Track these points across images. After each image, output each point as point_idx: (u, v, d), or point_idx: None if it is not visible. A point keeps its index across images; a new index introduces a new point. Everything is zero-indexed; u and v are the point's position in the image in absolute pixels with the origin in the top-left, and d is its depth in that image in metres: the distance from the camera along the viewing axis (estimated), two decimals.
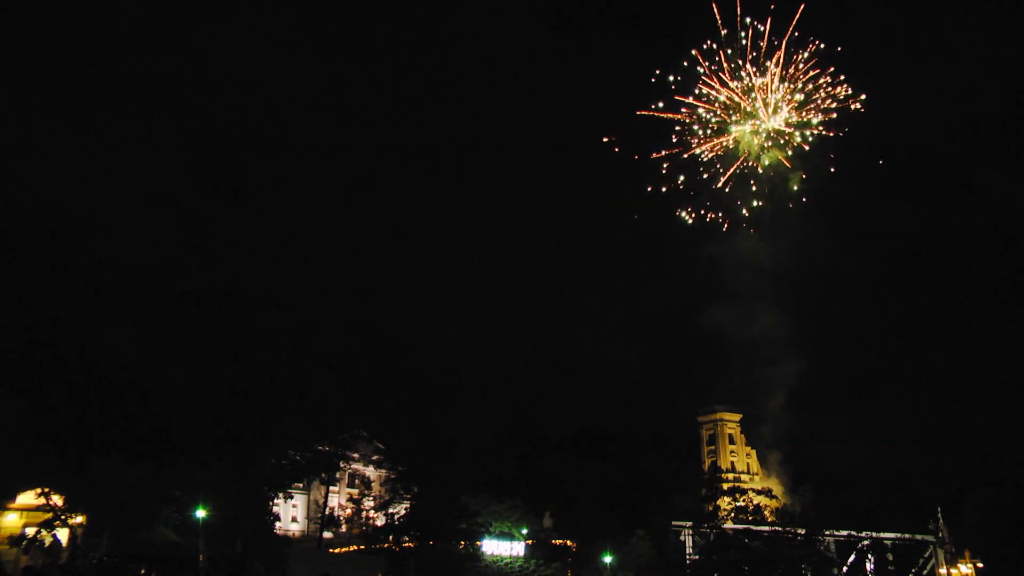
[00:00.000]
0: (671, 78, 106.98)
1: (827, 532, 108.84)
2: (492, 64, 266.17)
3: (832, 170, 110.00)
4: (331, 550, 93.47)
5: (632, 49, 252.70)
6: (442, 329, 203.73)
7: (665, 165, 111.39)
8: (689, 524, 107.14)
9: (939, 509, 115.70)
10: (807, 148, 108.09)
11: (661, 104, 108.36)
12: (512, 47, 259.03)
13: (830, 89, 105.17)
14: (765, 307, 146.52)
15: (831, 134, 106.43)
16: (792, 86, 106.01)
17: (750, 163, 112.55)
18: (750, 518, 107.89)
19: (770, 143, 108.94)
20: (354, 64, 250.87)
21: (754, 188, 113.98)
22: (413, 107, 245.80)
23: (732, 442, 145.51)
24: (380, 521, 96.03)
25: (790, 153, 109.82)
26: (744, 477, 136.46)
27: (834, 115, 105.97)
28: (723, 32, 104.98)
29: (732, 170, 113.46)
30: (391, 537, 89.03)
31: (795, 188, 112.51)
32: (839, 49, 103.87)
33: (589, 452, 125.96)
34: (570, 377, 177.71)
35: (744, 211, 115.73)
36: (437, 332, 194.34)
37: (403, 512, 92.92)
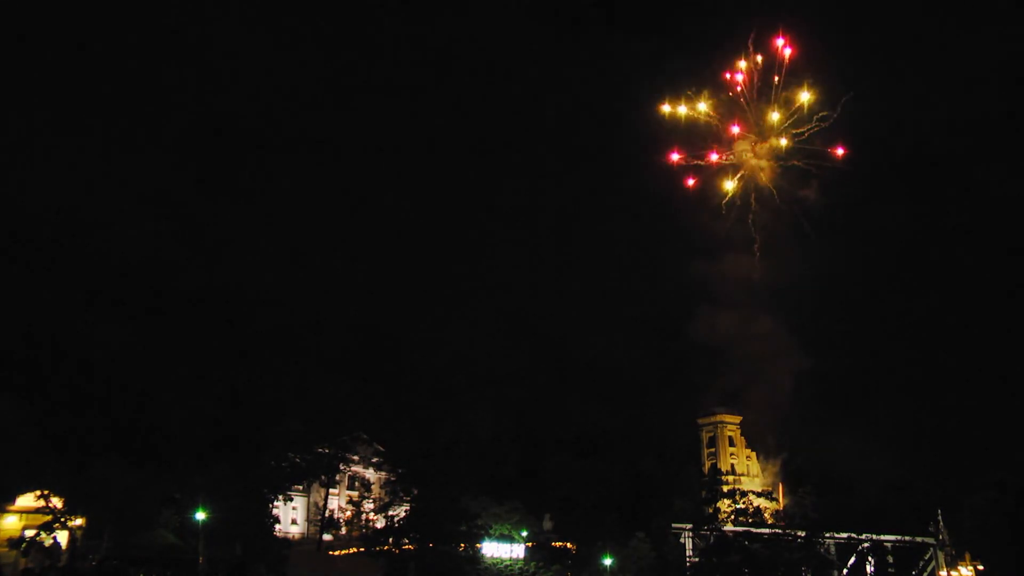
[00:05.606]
0: (672, 80, 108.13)
1: (827, 534, 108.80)
2: (491, 63, 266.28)
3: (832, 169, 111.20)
4: (331, 552, 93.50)
5: (631, 49, 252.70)
6: (441, 331, 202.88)
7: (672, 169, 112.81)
8: (689, 526, 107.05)
9: (939, 511, 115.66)
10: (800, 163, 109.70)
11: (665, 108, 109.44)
12: (511, 46, 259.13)
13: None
14: (765, 310, 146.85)
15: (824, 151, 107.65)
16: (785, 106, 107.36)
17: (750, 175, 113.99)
18: (750, 520, 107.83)
19: (767, 159, 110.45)
20: (353, 63, 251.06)
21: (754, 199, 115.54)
22: (412, 106, 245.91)
23: (732, 444, 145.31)
24: (380, 523, 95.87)
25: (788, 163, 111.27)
26: (744, 479, 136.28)
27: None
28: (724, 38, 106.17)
29: (734, 180, 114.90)
30: (391, 539, 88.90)
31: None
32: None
33: (589, 454, 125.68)
34: (570, 379, 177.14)
35: (747, 220, 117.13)
36: (436, 333, 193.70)
37: (403, 514, 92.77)
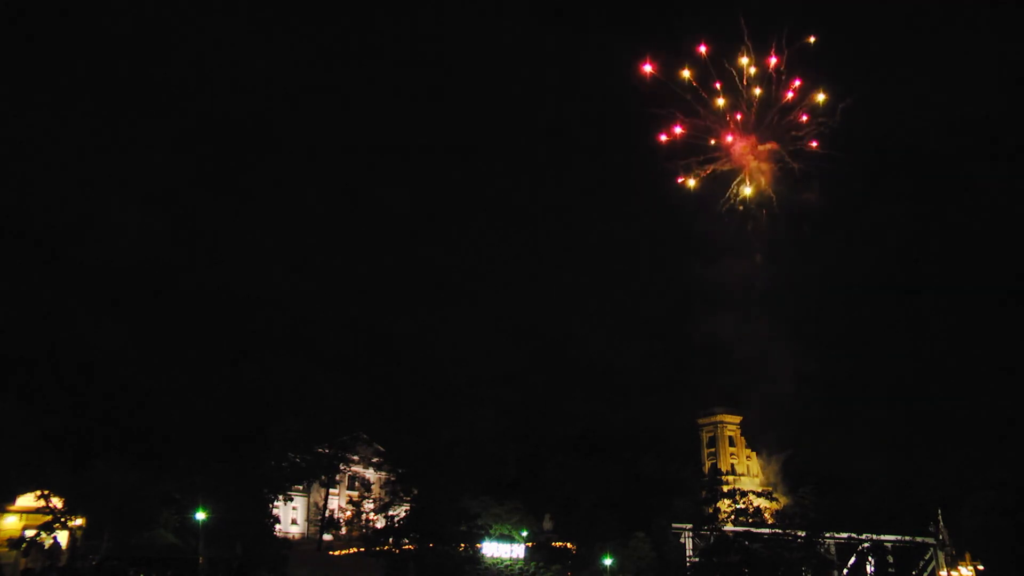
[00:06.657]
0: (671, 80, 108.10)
1: (827, 534, 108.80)
2: (490, 63, 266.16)
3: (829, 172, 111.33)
4: (331, 552, 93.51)
5: (631, 48, 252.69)
6: (442, 331, 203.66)
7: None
8: (689, 526, 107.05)
9: (940, 511, 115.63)
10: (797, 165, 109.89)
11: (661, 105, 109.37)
12: (510, 46, 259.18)
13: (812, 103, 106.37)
14: (765, 310, 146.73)
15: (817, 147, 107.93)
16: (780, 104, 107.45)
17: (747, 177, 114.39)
18: (750, 520, 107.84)
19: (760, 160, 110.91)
20: (353, 64, 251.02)
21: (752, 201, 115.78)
22: (412, 107, 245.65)
23: (732, 444, 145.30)
24: (380, 523, 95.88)
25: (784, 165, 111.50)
26: (744, 479, 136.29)
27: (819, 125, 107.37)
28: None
29: (734, 183, 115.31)
30: (391, 539, 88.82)
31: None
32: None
33: (589, 454, 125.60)
34: (570, 379, 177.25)
35: (746, 222, 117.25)
36: (437, 334, 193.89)
37: (403, 514, 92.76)
